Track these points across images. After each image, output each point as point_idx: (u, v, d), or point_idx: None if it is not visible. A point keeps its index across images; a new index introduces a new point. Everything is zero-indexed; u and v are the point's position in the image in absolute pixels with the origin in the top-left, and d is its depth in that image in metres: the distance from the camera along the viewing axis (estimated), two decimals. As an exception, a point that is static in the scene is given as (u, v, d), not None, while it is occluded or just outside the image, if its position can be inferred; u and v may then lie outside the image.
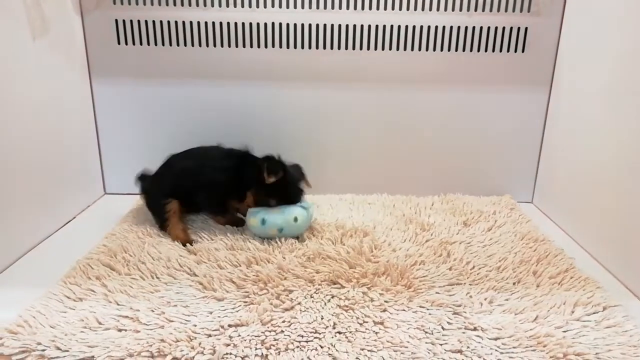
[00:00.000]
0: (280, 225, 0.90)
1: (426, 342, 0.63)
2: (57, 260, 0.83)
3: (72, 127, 1.02)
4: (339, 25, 1.05)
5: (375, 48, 1.07)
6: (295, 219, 0.90)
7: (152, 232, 0.93)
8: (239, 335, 0.63)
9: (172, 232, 0.92)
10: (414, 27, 1.05)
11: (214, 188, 0.94)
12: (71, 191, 1.02)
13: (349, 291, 0.74)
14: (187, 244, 0.89)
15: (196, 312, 0.68)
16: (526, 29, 1.04)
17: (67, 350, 0.60)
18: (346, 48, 1.07)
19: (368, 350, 0.61)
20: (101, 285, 0.75)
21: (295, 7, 1.03)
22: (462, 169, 1.16)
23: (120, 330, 0.64)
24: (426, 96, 1.11)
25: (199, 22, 1.05)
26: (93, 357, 0.59)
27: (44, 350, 0.60)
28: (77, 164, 1.04)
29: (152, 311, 0.68)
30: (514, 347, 0.62)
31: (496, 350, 0.62)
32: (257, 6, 1.03)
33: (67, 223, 1.00)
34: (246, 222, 0.94)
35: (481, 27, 1.05)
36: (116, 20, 1.04)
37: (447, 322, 0.67)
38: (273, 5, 1.03)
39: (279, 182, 0.90)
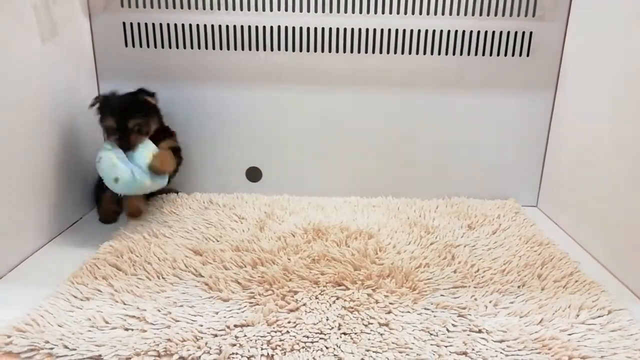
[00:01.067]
0: (136, 174, 0.88)
1: (431, 344, 0.63)
2: (64, 260, 0.84)
3: (79, 127, 1.03)
4: (344, 29, 1.06)
5: (381, 52, 1.07)
6: (116, 180, 0.87)
7: (157, 233, 0.94)
8: (245, 336, 0.64)
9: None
10: (419, 30, 1.05)
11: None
12: (78, 192, 1.03)
13: (354, 293, 0.75)
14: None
15: (202, 312, 0.69)
16: (531, 33, 1.05)
17: (75, 349, 0.60)
18: (352, 51, 1.07)
19: (373, 352, 0.62)
20: (108, 285, 0.76)
21: (301, 10, 1.04)
22: (467, 173, 1.16)
23: (127, 330, 0.65)
24: (432, 99, 1.11)
25: (205, 25, 1.06)
26: (100, 356, 0.59)
27: (52, 348, 0.60)
28: (85, 165, 1.05)
29: (159, 311, 0.69)
30: (519, 350, 0.63)
31: (501, 352, 0.62)
32: (264, 9, 1.04)
33: (74, 223, 1.01)
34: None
35: (486, 31, 1.05)
36: (124, 23, 1.05)
37: (452, 325, 0.67)
38: (279, 9, 1.04)
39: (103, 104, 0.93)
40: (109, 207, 1.02)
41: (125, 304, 0.70)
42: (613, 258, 0.86)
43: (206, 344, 0.62)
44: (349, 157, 1.16)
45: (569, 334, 0.65)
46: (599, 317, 0.69)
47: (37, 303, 0.69)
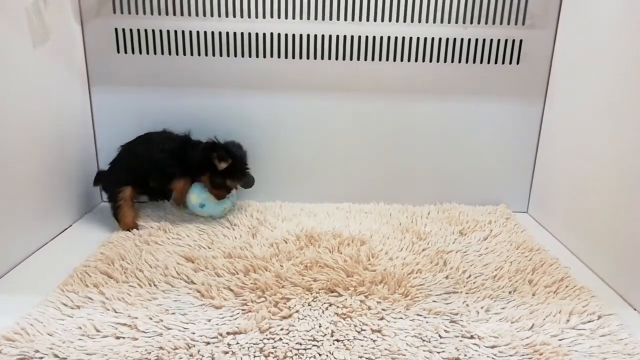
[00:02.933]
0: (220, 209, 1.05)
1: (424, 350, 0.64)
2: (54, 268, 0.83)
3: (70, 134, 1.03)
4: (337, 36, 1.06)
5: (373, 58, 1.08)
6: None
7: (149, 240, 0.93)
8: (238, 343, 0.63)
9: (122, 218, 0.99)
10: (410, 38, 1.06)
11: (161, 169, 1.01)
12: (68, 199, 1.02)
13: (346, 299, 0.75)
14: (133, 229, 0.99)
15: (194, 319, 0.69)
16: (521, 41, 1.06)
17: (65, 358, 0.59)
18: (344, 58, 1.08)
19: (366, 358, 0.62)
20: (99, 292, 0.75)
21: (293, 17, 1.05)
22: (458, 179, 1.17)
23: (118, 338, 0.64)
24: (422, 106, 1.12)
25: (198, 32, 1.06)
26: (91, 364, 0.59)
27: (41, 357, 0.59)
28: (75, 172, 1.04)
29: (150, 319, 0.68)
30: (510, 355, 0.63)
31: (493, 358, 0.63)
32: (257, 17, 1.05)
33: (64, 231, 1.00)
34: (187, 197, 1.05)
35: (477, 39, 1.06)
36: (116, 29, 1.05)
37: (444, 330, 0.68)
38: (272, 16, 1.05)
39: (231, 166, 1.00)
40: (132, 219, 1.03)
41: (116, 312, 0.70)
42: (602, 263, 0.87)
43: (198, 351, 0.61)
44: (341, 164, 1.16)
45: (560, 339, 0.66)
46: (589, 322, 0.70)
47: (26, 311, 0.68)
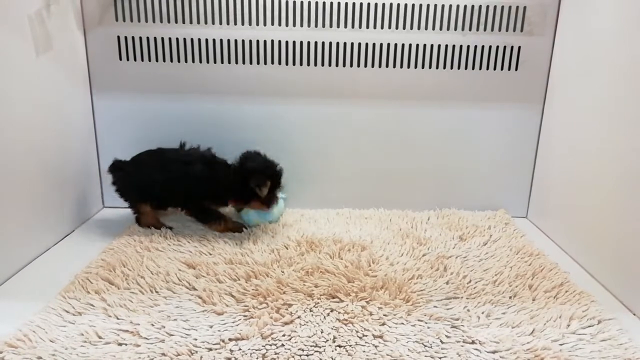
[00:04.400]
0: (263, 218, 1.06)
1: (425, 356, 0.64)
2: (55, 275, 0.83)
3: (72, 141, 1.03)
4: (337, 43, 1.07)
5: (372, 65, 1.09)
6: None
7: (150, 247, 0.94)
8: (240, 349, 0.64)
9: (144, 223, 1.02)
10: (410, 45, 1.07)
11: (197, 198, 0.99)
12: (70, 204, 1.03)
13: (348, 305, 0.75)
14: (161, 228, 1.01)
15: (196, 326, 0.69)
16: (519, 47, 1.07)
17: (68, 365, 0.60)
18: (344, 65, 1.09)
19: (368, 364, 0.62)
20: (100, 299, 0.75)
21: (294, 25, 1.06)
22: (457, 185, 1.18)
23: (120, 345, 0.64)
24: (421, 113, 1.13)
25: (199, 39, 1.06)
26: (94, 371, 0.59)
27: (44, 364, 0.59)
28: (77, 178, 1.05)
29: (152, 325, 0.68)
30: (511, 361, 0.63)
31: (494, 363, 0.63)
32: (257, 24, 1.06)
33: (65, 236, 1.00)
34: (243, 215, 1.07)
35: (475, 46, 1.07)
36: (118, 37, 1.06)
37: (446, 336, 0.68)
38: (272, 23, 1.06)
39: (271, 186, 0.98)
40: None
41: (118, 319, 0.70)
42: (602, 268, 0.88)
43: (201, 357, 0.62)
44: (341, 170, 1.17)
45: (561, 344, 0.66)
46: (589, 326, 0.70)
47: (28, 318, 0.69)
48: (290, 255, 0.91)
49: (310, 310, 0.73)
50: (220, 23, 1.06)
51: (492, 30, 1.06)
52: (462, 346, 0.66)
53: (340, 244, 0.96)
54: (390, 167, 1.17)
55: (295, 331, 0.68)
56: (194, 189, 0.97)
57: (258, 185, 0.95)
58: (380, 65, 1.09)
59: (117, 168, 1.00)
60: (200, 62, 1.08)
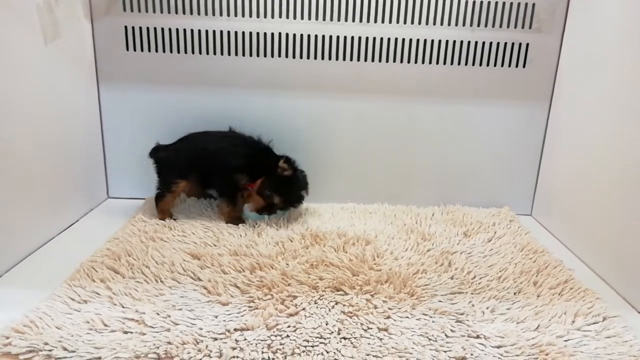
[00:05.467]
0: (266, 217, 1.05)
1: (430, 349, 0.64)
2: (60, 263, 0.83)
3: (78, 130, 1.03)
4: (344, 37, 1.07)
5: (380, 60, 1.09)
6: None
7: (155, 237, 0.94)
8: (245, 339, 0.64)
9: (161, 205, 1.03)
10: (417, 40, 1.07)
11: (232, 173, 1.01)
12: (75, 194, 1.03)
13: (352, 298, 0.75)
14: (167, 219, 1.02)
15: (201, 315, 0.69)
16: (527, 44, 1.07)
17: (74, 351, 0.60)
18: (351, 59, 1.09)
19: (373, 356, 0.62)
20: (106, 287, 0.75)
21: (302, 18, 1.05)
22: (462, 181, 1.18)
23: (126, 333, 0.64)
24: (428, 108, 1.12)
25: (207, 31, 1.06)
26: (100, 358, 0.59)
27: (51, 350, 0.60)
28: (82, 168, 1.05)
29: (158, 314, 0.68)
30: (516, 355, 0.63)
31: (499, 357, 0.63)
32: (265, 16, 1.05)
33: (70, 226, 1.00)
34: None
35: (484, 42, 1.07)
36: (125, 27, 1.06)
37: (451, 330, 0.68)
38: (280, 16, 1.05)
39: (287, 181, 1.00)
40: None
41: (123, 307, 0.70)
42: (606, 266, 0.88)
43: (207, 347, 0.62)
44: (346, 164, 1.17)
45: (566, 340, 0.66)
46: (594, 323, 0.70)
47: (34, 305, 0.69)
48: (294, 248, 0.91)
49: (315, 303, 0.73)
50: (228, 15, 1.05)
51: (501, 26, 1.06)
52: (466, 340, 0.66)
53: (345, 237, 0.96)
54: (395, 162, 1.17)
55: (300, 323, 0.68)
56: (232, 157, 1.01)
57: (287, 161, 0.99)
58: (387, 60, 1.09)
59: (158, 150, 1.03)
60: (207, 53, 1.08)
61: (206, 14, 1.05)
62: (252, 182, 1.02)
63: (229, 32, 1.06)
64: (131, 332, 0.64)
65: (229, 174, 1.01)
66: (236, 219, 1.03)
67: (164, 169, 1.03)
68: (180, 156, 1.02)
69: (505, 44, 1.07)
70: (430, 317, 0.71)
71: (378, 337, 0.66)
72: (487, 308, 0.74)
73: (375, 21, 1.06)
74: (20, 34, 0.82)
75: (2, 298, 0.73)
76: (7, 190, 0.80)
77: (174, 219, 1.03)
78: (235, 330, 0.66)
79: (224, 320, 0.68)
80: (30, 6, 0.84)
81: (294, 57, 1.08)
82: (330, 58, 1.09)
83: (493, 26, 1.06)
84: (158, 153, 1.03)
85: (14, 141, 0.82)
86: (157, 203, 1.03)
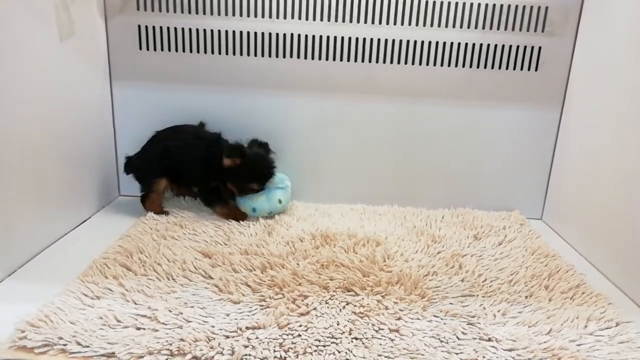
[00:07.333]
0: (269, 210, 1.05)
1: (442, 351, 0.64)
2: (73, 259, 0.84)
3: (91, 128, 1.04)
4: (356, 39, 1.07)
5: (391, 61, 1.09)
6: (280, 201, 1.05)
7: (166, 235, 0.94)
8: (257, 338, 0.64)
9: (148, 207, 1.04)
10: (429, 42, 1.07)
11: (194, 168, 1.03)
12: (87, 191, 1.03)
13: (363, 299, 0.75)
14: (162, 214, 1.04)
15: (213, 313, 0.69)
16: (540, 48, 1.07)
17: (88, 346, 0.60)
18: (362, 60, 1.09)
19: (385, 357, 0.62)
20: (118, 284, 0.76)
21: (314, 19, 1.06)
22: (473, 184, 1.17)
23: (139, 329, 0.65)
24: (439, 110, 1.12)
25: (219, 31, 1.07)
26: (114, 353, 0.60)
27: (65, 345, 0.60)
28: (94, 165, 1.06)
29: (170, 311, 0.69)
30: (528, 359, 0.63)
31: (511, 361, 0.63)
32: (277, 17, 1.06)
33: (82, 223, 1.01)
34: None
35: (496, 45, 1.07)
36: (139, 26, 1.07)
37: (462, 332, 0.68)
38: (292, 17, 1.06)
39: (247, 165, 1.00)
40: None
41: (136, 304, 0.71)
42: (618, 271, 0.87)
43: (219, 344, 0.62)
44: (356, 165, 1.17)
45: (578, 345, 0.66)
46: (607, 328, 0.70)
47: (48, 300, 0.69)
48: (305, 248, 0.91)
49: (326, 303, 0.73)
50: (241, 15, 1.06)
51: (513, 29, 1.06)
52: (478, 343, 0.66)
53: (355, 238, 0.96)
54: (405, 164, 1.17)
55: (311, 322, 0.68)
56: (193, 165, 1.02)
57: (229, 157, 0.98)
58: (398, 62, 1.09)
59: (130, 161, 1.06)
60: (219, 53, 1.08)
61: (219, 14, 1.06)
62: (216, 179, 1.03)
63: (241, 32, 1.07)
64: (144, 329, 0.65)
65: (195, 172, 1.03)
66: (237, 214, 1.05)
67: (140, 173, 1.06)
68: (149, 156, 1.04)
69: (518, 47, 1.07)
70: (442, 319, 0.71)
71: (389, 338, 0.66)
72: (499, 311, 0.73)
73: (388, 23, 1.06)
74: (36, 31, 0.83)
75: (17, 292, 0.74)
76: (20, 186, 0.81)
77: (166, 213, 1.05)
78: (247, 328, 0.66)
79: (236, 319, 0.68)
80: (46, 4, 0.85)
81: (305, 57, 1.09)
82: (342, 59, 1.09)
83: (506, 29, 1.06)
84: (130, 164, 1.06)
85: (27, 137, 0.82)
86: (144, 204, 1.05)
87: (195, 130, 1.07)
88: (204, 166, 1.01)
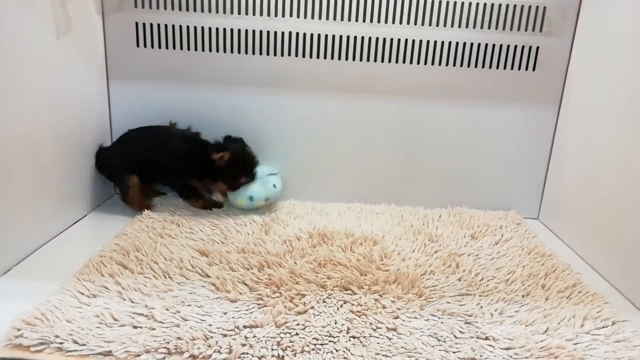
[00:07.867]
0: (266, 195, 1.07)
1: (439, 350, 0.64)
2: (69, 257, 0.83)
3: (88, 125, 1.03)
4: (354, 37, 1.07)
5: (389, 60, 1.09)
6: (275, 186, 1.08)
7: (163, 233, 0.94)
8: (255, 336, 0.64)
9: (130, 203, 1.04)
10: (427, 41, 1.07)
11: (172, 170, 1.04)
12: (83, 189, 1.03)
13: (361, 297, 0.75)
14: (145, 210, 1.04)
15: (210, 312, 0.69)
16: (537, 47, 1.07)
17: (85, 345, 0.60)
18: (360, 59, 1.09)
19: (383, 355, 0.62)
20: (115, 282, 0.75)
21: (312, 17, 1.06)
22: (470, 184, 1.18)
23: (135, 327, 0.64)
24: (436, 110, 1.12)
25: (217, 29, 1.07)
26: (110, 351, 0.59)
27: (61, 343, 0.60)
28: (90, 163, 1.05)
29: (167, 309, 0.69)
30: (526, 358, 0.63)
31: (509, 359, 0.63)
32: (276, 15, 1.06)
33: (77, 221, 1.00)
34: (233, 203, 1.09)
35: (493, 45, 1.07)
36: (136, 23, 1.06)
37: (459, 331, 0.68)
38: (291, 15, 1.06)
39: (233, 161, 1.00)
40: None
41: (133, 302, 0.70)
42: (615, 271, 0.87)
43: (216, 343, 0.62)
44: (354, 164, 1.17)
45: (575, 344, 0.66)
46: (603, 327, 0.70)
47: (44, 298, 0.69)
48: (302, 247, 0.91)
49: (324, 301, 0.73)
50: (239, 13, 1.05)
51: (511, 29, 1.06)
52: (475, 342, 0.66)
53: (352, 237, 0.96)
54: (402, 164, 1.17)
55: (309, 321, 0.68)
56: (172, 163, 1.02)
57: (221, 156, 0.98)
58: (397, 61, 1.09)
59: (102, 151, 1.07)
60: (217, 51, 1.08)
61: (217, 11, 1.05)
62: (194, 176, 1.05)
63: (239, 30, 1.07)
64: (141, 327, 0.64)
65: (171, 170, 1.04)
66: (212, 203, 1.09)
67: (111, 172, 1.07)
68: (118, 154, 1.05)
69: (516, 46, 1.07)
70: (439, 318, 0.71)
71: (387, 337, 0.66)
72: (496, 310, 0.74)
73: (386, 22, 1.06)
74: (33, 28, 0.82)
75: (12, 290, 0.74)
76: (16, 183, 0.80)
77: (152, 206, 1.07)
78: (245, 327, 0.66)
79: (233, 317, 0.68)
80: (44, 1, 0.84)
81: (303, 56, 1.08)
82: (340, 58, 1.09)
83: (504, 29, 1.06)
84: (99, 163, 1.06)
85: (23, 135, 0.82)
86: (126, 203, 1.05)
87: (166, 130, 1.07)
88: (184, 164, 1.02)
